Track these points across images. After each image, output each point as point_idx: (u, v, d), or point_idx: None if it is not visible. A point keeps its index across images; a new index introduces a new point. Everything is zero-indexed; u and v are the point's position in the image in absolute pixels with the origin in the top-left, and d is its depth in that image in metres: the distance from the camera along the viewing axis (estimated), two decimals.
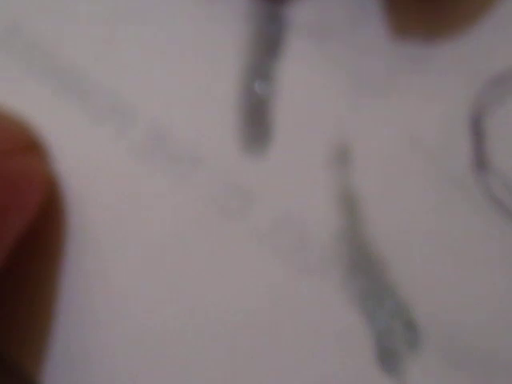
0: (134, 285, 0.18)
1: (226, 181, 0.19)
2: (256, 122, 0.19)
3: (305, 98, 0.19)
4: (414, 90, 0.19)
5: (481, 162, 0.18)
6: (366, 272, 0.18)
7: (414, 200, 0.18)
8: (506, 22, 0.19)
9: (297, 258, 0.18)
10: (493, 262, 0.18)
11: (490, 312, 0.18)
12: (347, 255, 0.18)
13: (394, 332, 0.18)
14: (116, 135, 0.19)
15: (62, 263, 0.19)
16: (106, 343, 0.18)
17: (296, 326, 0.18)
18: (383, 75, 0.19)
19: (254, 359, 0.18)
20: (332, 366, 0.18)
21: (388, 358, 0.18)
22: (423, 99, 0.18)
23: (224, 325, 0.18)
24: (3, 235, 0.17)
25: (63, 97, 0.19)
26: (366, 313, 0.18)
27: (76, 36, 0.19)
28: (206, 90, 0.19)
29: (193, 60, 0.19)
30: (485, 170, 0.18)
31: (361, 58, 0.19)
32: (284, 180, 0.19)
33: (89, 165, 0.19)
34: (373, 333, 0.18)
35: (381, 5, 0.19)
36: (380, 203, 0.18)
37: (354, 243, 0.18)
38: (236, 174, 0.19)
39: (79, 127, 0.19)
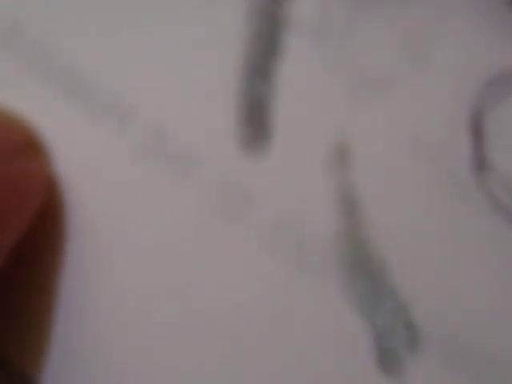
0: (133, 284, 0.18)
1: (225, 180, 0.19)
2: (256, 121, 0.19)
3: (304, 97, 0.19)
4: (414, 90, 0.18)
5: (481, 161, 0.18)
6: (365, 272, 0.18)
7: (413, 200, 0.18)
8: (504, 21, 0.18)
9: (297, 258, 0.18)
10: (493, 263, 0.18)
11: (490, 313, 0.18)
12: (347, 255, 0.18)
13: (393, 333, 0.18)
14: (116, 135, 0.19)
15: (61, 263, 0.19)
16: (105, 343, 0.18)
17: (295, 326, 0.18)
18: (383, 75, 0.19)
19: (253, 359, 0.18)
20: (331, 367, 0.18)
21: (388, 358, 0.18)
22: (423, 99, 0.18)
23: (223, 324, 0.18)
24: (3, 236, 0.17)
25: (63, 97, 0.19)
26: (366, 313, 0.18)
27: (76, 36, 0.19)
28: (205, 89, 0.19)
29: (192, 59, 0.19)
30: (485, 170, 0.18)
31: (361, 57, 0.19)
32: (284, 180, 0.19)
33: (88, 164, 0.19)
34: (372, 333, 0.18)
35: None
36: (380, 203, 0.18)
37: (353, 243, 0.18)
38: (236, 173, 0.19)
39: (79, 127, 0.19)
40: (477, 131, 0.18)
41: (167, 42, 0.19)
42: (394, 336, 0.18)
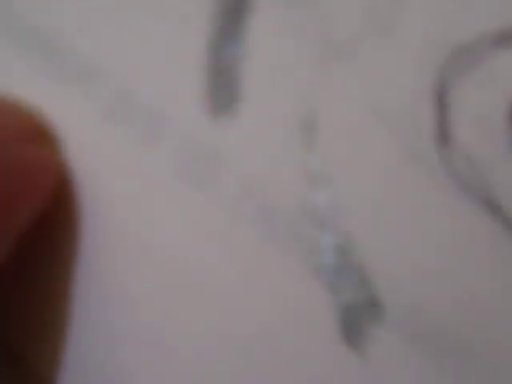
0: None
1: (193, 145, 0.19)
2: (225, 84, 0.19)
3: (274, 60, 0.19)
4: (379, 61, 0.18)
5: (444, 135, 0.18)
6: (330, 246, 0.18)
7: (376, 174, 0.18)
8: None
9: (262, 226, 0.18)
10: (455, 238, 0.18)
11: (452, 287, 0.18)
12: (311, 228, 0.18)
13: (357, 307, 0.18)
14: (86, 98, 0.19)
15: (74, 252, 0.19)
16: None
17: (257, 298, 0.18)
18: (349, 44, 0.18)
19: (216, 321, 0.18)
20: (294, 341, 0.18)
21: (351, 332, 0.18)
22: (387, 71, 0.18)
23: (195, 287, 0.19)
24: (15, 224, 0.18)
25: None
26: (330, 287, 0.18)
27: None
28: (174, 51, 0.19)
29: (161, 21, 0.19)
30: (448, 144, 0.18)
31: (329, 24, 0.18)
32: (253, 144, 0.19)
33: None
34: (336, 307, 0.18)
35: None
36: (344, 176, 0.18)
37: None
38: (204, 137, 0.19)
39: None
40: (441, 104, 0.18)
41: (135, 1, 0.19)
42: (358, 310, 0.18)
